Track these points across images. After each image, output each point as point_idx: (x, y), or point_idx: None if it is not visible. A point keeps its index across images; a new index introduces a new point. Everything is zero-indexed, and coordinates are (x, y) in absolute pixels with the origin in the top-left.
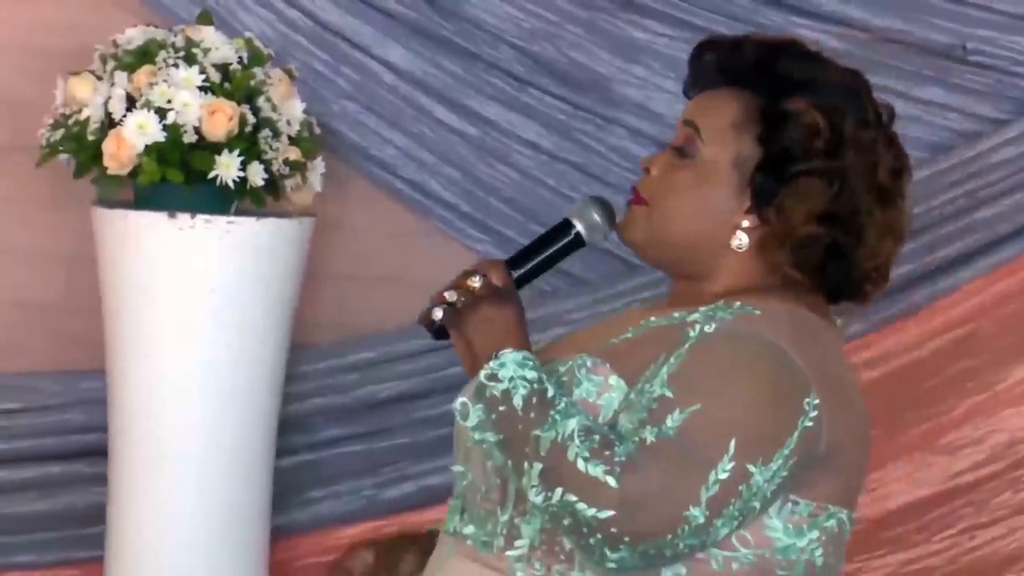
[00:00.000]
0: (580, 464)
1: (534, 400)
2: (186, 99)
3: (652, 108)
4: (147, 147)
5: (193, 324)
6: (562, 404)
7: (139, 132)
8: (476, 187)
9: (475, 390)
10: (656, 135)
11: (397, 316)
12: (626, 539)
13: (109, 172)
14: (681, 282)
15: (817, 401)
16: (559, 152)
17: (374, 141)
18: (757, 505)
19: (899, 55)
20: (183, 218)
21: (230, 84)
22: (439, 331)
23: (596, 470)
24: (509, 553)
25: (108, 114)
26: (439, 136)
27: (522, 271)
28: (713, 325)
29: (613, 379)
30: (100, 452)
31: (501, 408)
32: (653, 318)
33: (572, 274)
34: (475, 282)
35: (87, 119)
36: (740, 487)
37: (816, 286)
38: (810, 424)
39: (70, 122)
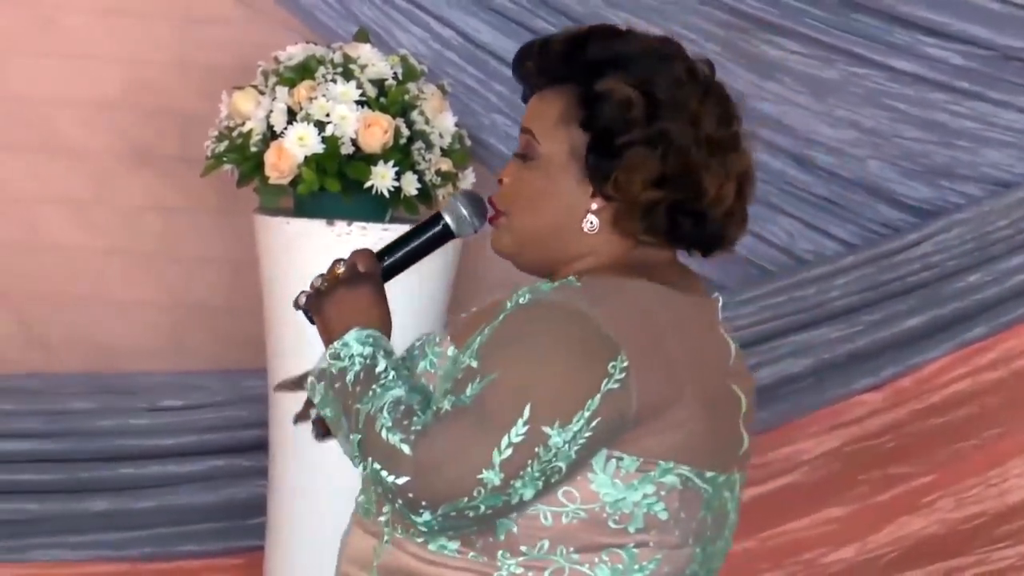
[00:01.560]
0: (384, 434)
1: (362, 375)
2: (344, 113)
3: (786, 122)
4: (307, 158)
5: None
6: (386, 378)
7: (299, 144)
8: None
9: (320, 367)
10: (790, 147)
11: None
12: (424, 503)
13: (270, 181)
14: (552, 275)
15: (626, 364)
16: None
17: None
18: (562, 465)
19: (1022, 71)
20: (340, 225)
21: (385, 99)
22: (311, 316)
23: (394, 439)
24: (380, 518)
25: (270, 127)
26: None
27: (392, 259)
28: (528, 296)
29: (451, 350)
30: (260, 447)
31: (337, 385)
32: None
33: (709, 279)
34: (340, 268)
35: (250, 131)
36: (536, 449)
37: (673, 247)
38: (616, 386)
39: (234, 134)
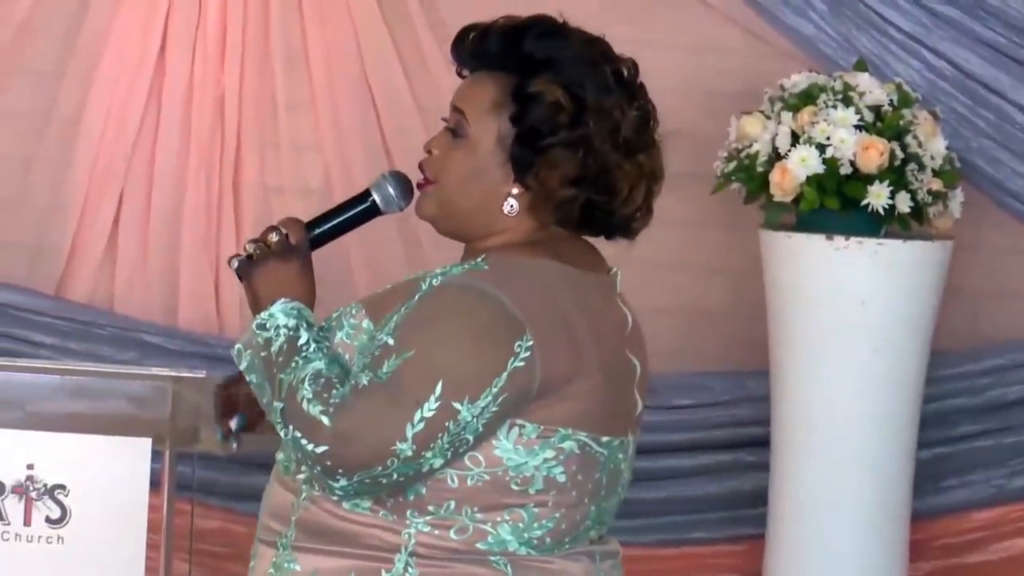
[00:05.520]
0: (304, 405)
1: (285, 347)
2: (843, 136)
3: None
4: (808, 178)
5: (846, 331)
6: (308, 350)
7: (801, 165)
8: None
9: (247, 337)
10: None
11: None
12: (340, 470)
13: (774, 199)
14: (469, 244)
15: (531, 342)
16: None
17: (1007, 174)
18: (470, 437)
19: None
20: (838, 240)
21: (881, 123)
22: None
23: (315, 410)
24: (299, 476)
25: (775, 148)
26: None
27: (321, 231)
28: (440, 279)
29: (365, 323)
30: (762, 443)
31: (263, 354)
32: (418, 272)
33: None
34: (273, 237)
35: (756, 153)
36: (447, 423)
37: (583, 233)
38: (521, 364)
39: (741, 155)
